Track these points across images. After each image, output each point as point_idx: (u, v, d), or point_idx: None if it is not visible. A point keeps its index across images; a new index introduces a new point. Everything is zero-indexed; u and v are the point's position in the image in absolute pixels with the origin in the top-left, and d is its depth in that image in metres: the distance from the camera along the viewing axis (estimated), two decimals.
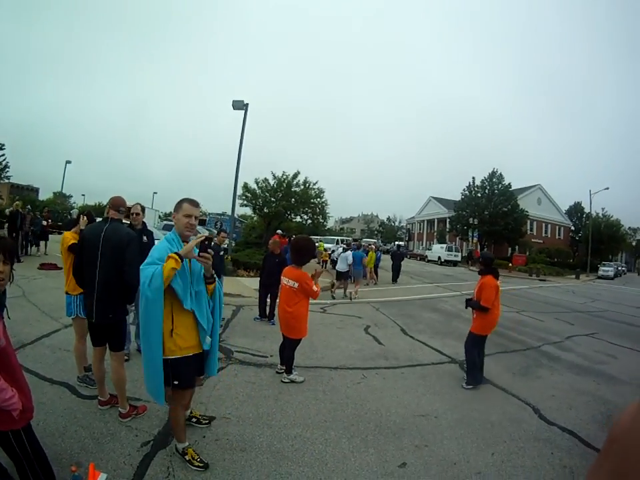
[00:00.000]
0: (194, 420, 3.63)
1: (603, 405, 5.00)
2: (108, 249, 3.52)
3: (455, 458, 3.48)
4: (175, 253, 2.70)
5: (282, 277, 4.97)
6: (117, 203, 3.82)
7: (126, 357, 4.88)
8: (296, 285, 4.73)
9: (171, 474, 2.92)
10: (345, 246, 15.40)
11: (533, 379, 5.81)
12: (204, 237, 2.84)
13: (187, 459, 3.03)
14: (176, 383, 2.89)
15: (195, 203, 2.99)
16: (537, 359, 6.84)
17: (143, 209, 5.51)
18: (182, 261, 2.71)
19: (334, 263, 20.07)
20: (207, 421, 3.66)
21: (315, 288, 4.75)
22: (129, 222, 5.32)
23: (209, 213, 32.88)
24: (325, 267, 21.19)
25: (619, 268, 49.49)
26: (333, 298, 11.90)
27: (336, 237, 38.25)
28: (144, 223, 5.49)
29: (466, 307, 5.56)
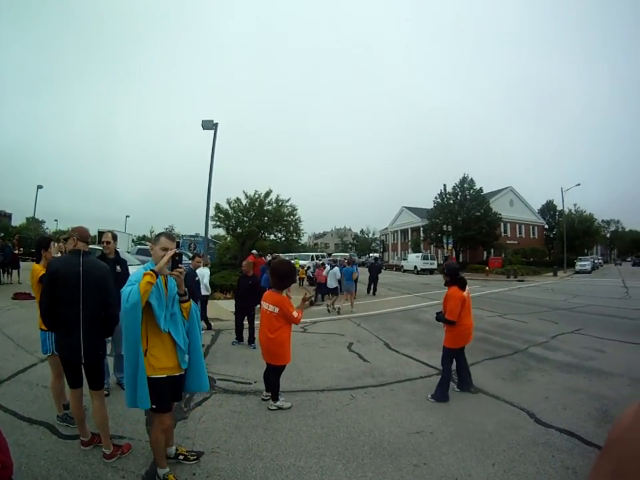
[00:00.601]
0: (181, 457, 3.46)
1: (597, 400, 4.96)
2: (91, 284, 3.40)
3: (455, 473, 3.36)
4: (150, 270, 2.89)
5: (262, 302, 4.81)
6: (84, 235, 3.66)
7: (106, 392, 4.66)
8: (276, 310, 4.58)
9: None
10: (332, 263, 15.92)
11: (524, 382, 5.75)
12: (174, 252, 3.00)
13: None
14: (154, 407, 3.00)
15: (171, 237, 3.21)
16: (525, 362, 6.80)
17: (114, 237, 5.24)
18: (157, 277, 2.87)
19: (310, 279, 20.16)
20: (195, 457, 3.49)
21: (295, 314, 4.62)
22: (100, 250, 5.13)
23: (182, 236, 32.43)
24: (302, 284, 21.18)
25: (596, 261, 50.67)
26: (338, 313, 12.51)
27: (310, 253, 37.95)
28: (117, 252, 5.24)
29: (437, 320, 5.47)
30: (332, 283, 13.40)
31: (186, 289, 3.18)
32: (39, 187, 39.33)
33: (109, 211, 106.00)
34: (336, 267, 14.05)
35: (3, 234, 16.35)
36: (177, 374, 3.12)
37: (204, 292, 8.98)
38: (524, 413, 4.62)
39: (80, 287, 3.35)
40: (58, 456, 3.43)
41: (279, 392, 4.80)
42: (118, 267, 4.98)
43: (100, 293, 3.42)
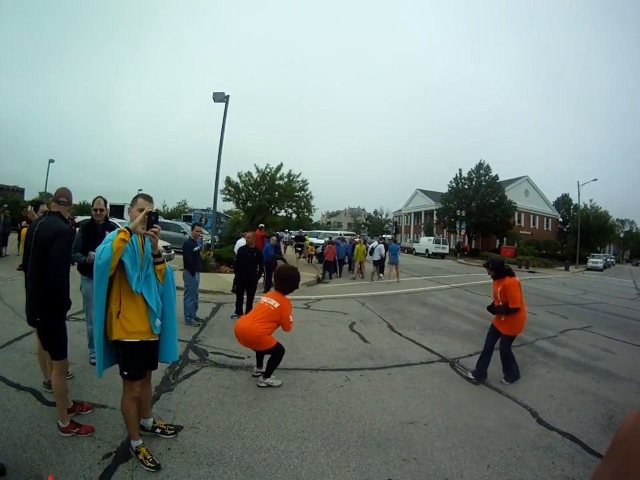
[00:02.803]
0: (158, 430, 3.32)
1: (603, 405, 4.69)
2: (37, 246, 3.23)
3: (446, 472, 3.13)
4: (125, 227, 2.82)
5: (262, 297, 4.80)
6: (57, 194, 3.51)
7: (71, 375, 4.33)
8: (277, 304, 4.52)
9: None
10: (378, 240, 20.04)
11: (530, 377, 5.48)
12: (149, 211, 2.94)
13: (140, 458, 2.93)
14: (125, 373, 2.93)
15: (148, 198, 3.11)
16: (532, 356, 6.53)
17: (106, 203, 5.07)
18: (131, 235, 2.80)
19: (319, 257, 20.27)
20: (173, 431, 3.34)
21: (291, 319, 4.64)
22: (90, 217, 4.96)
23: (194, 209, 32.45)
24: (311, 262, 21.07)
25: (608, 259, 49.94)
26: (371, 280, 15.75)
27: (322, 231, 38.43)
28: (106, 217, 5.06)
29: (491, 312, 5.39)
30: (377, 257, 16.69)
31: (160, 250, 3.15)
32: (51, 160, 39.51)
33: (122, 185, 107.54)
34: (381, 244, 17.54)
35: (6, 205, 16.03)
36: (151, 339, 3.03)
37: None
38: (526, 411, 4.37)
39: (30, 250, 3.27)
40: (39, 422, 3.39)
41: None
42: (107, 233, 4.77)
43: (44, 257, 3.19)
